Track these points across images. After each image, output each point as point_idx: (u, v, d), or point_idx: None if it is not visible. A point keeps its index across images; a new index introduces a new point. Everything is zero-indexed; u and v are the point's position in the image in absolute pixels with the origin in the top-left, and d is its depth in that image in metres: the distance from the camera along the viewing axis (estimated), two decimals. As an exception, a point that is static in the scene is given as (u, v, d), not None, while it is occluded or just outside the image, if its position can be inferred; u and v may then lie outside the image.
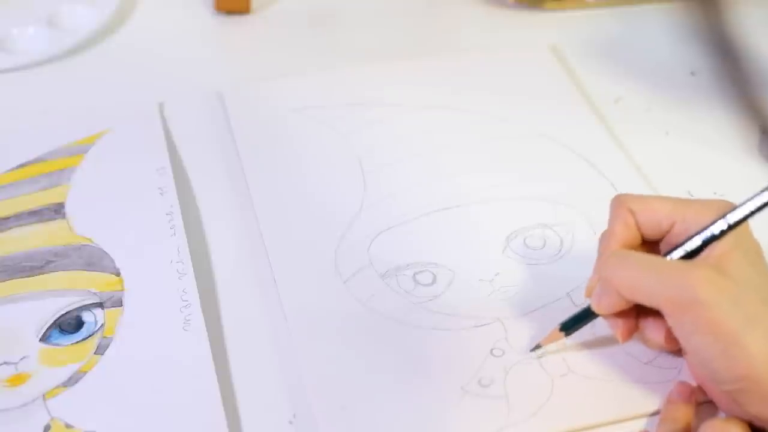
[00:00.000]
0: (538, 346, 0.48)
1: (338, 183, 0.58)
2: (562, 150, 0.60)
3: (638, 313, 0.45)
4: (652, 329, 0.45)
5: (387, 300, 0.51)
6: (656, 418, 0.45)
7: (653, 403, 0.46)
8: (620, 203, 0.47)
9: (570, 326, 0.47)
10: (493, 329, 0.50)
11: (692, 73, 0.67)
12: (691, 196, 0.57)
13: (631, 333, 0.46)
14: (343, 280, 0.52)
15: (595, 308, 0.46)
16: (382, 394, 0.47)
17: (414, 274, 0.53)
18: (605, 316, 0.46)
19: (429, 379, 0.47)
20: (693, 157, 0.60)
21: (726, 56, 0.66)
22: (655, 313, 0.44)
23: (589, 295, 0.46)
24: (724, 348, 0.41)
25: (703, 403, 0.45)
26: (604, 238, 0.47)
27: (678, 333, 0.43)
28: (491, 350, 0.49)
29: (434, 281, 0.52)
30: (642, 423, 0.46)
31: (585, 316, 0.47)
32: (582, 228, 0.55)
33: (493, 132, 0.62)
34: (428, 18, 0.74)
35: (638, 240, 0.46)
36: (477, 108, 0.63)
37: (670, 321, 0.43)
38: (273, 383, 0.48)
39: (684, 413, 0.44)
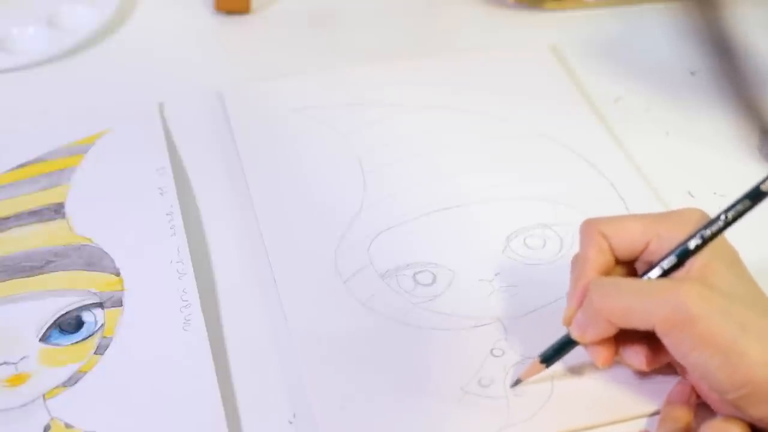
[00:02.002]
0: (518, 381, 0.46)
1: (338, 183, 0.58)
2: (562, 150, 0.60)
3: (617, 338, 0.45)
4: (631, 353, 0.45)
5: (387, 300, 0.51)
6: (656, 418, 0.45)
7: (653, 403, 0.46)
8: (591, 228, 0.46)
9: (551, 357, 0.46)
10: (493, 329, 0.50)
11: (692, 73, 0.67)
12: (692, 196, 0.57)
13: (612, 358, 0.45)
14: (343, 280, 0.52)
15: (578, 338, 0.45)
16: (382, 394, 0.47)
17: (414, 274, 0.53)
18: (586, 344, 0.45)
19: (429, 379, 0.47)
20: (693, 157, 0.60)
21: (724, 56, 0.66)
22: (634, 337, 0.44)
23: (568, 324, 0.45)
24: (723, 359, 0.40)
25: (703, 403, 0.45)
26: (578, 265, 0.46)
27: (675, 352, 0.42)
28: (491, 350, 0.49)
29: (434, 281, 0.52)
30: (642, 423, 0.46)
31: (565, 345, 0.46)
32: (582, 228, 0.55)
33: (493, 132, 0.62)
34: (428, 18, 0.74)
35: (613, 264, 0.46)
36: (477, 108, 0.63)
37: (666, 341, 0.42)
38: (273, 383, 0.48)
39: (684, 413, 0.44)
